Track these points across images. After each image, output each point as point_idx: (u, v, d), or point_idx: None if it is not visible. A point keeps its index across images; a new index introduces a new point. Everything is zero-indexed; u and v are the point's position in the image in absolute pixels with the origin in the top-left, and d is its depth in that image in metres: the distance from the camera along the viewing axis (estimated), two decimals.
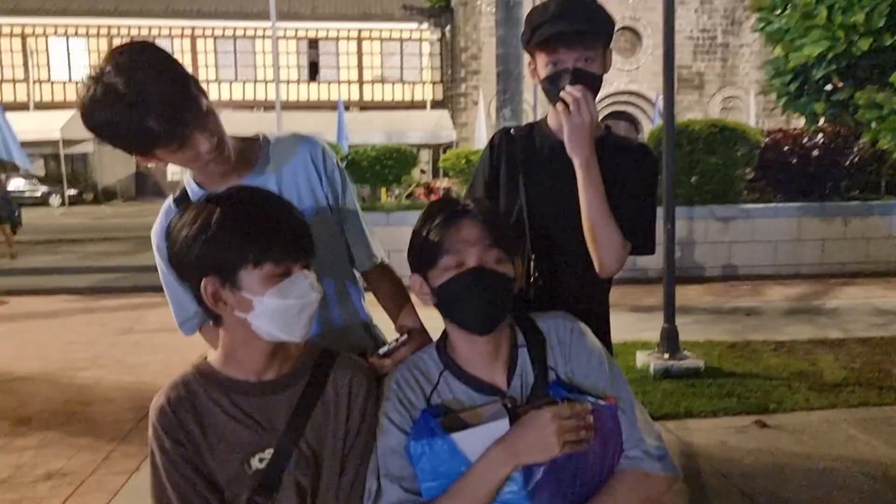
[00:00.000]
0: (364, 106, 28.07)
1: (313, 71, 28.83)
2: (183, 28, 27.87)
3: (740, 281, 9.11)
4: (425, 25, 27.70)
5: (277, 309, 1.25)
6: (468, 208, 1.40)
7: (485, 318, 1.36)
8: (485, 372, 1.41)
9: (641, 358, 5.19)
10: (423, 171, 19.32)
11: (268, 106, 27.87)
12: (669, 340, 5.05)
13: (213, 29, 27.60)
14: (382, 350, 1.48)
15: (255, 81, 28.16)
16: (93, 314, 7.77)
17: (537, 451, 1.25)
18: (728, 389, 4.61)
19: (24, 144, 24.83)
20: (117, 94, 1.35)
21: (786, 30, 5.74)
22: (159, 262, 1.64)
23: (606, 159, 1.77)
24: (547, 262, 1.81)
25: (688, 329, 5.92)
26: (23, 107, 26.68)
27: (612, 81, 26.45)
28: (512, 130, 1.93)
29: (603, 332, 1.88)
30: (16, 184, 27.08)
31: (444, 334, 1.47)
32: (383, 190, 13.39)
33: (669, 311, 5.11)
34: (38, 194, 27.08)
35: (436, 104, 27.77)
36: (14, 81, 27.71)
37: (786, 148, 10.00)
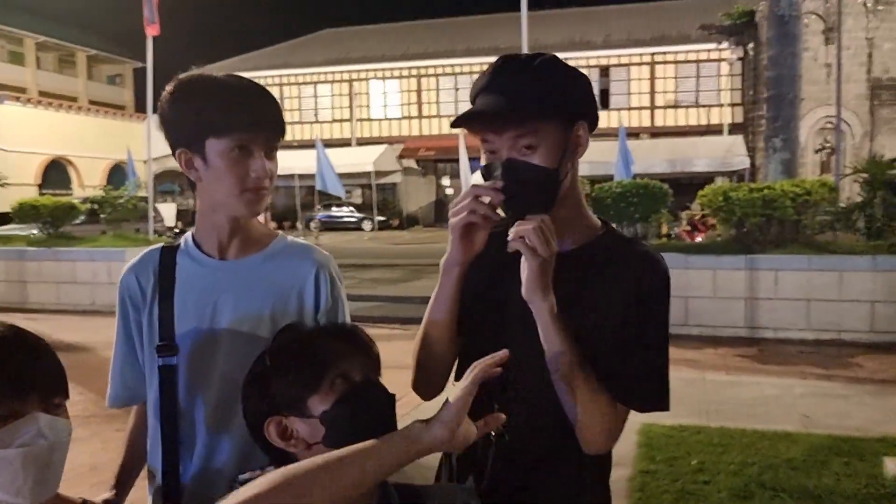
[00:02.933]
0: (655, 132, 26.98)
1: (604, 98, 28.53)
2: (472, 64, 29.48)
3: None
4: (725, 45, 25.78)
5: None
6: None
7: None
8: None
9: (892, 465, 4.01)
10: (686, 206, 17.73)
11: None
12: None
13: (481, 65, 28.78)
14: None
15: None
16: None
17: None
18: None
19: (344, 176, 28.31)
20: (210, 78, 1.40)
21: None
22: (118, 308, 1.51)
23: (595, 273, 1.30)
24: (520, 411, 1.29)
25: None
26: (346, 143, 30.39)
27: None
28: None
29: None
30: (338, 211, 31.08)
31: None
32: (663, 225, 12.46)
33: None
34: (354, 220, 30.58)
35: (734, 128, 25.65)
36: (341, 121, 31.72)
37: None
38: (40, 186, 27.86)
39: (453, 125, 1.28)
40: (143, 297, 1.46)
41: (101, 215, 11.51)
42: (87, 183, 28.86)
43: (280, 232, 1.57)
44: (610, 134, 25.95)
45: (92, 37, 47.08)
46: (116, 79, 46.62)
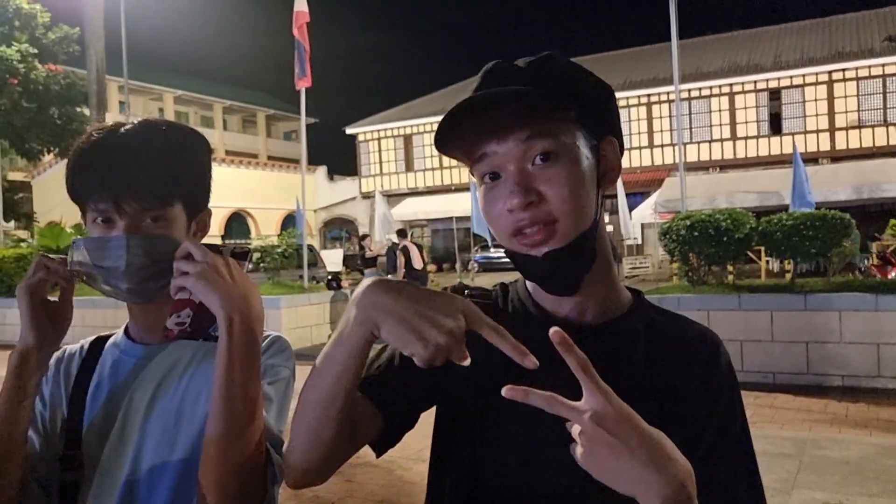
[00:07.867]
0: (836, 156, 24.57)
1: (775, 123, 26.49)
2: (639, 96, 28.49)
3: None
4: None
5: None
6: None
7: None
8: None
9: None
10: (875, 237, 15.66)
11: (724, 165, 26.59)
12: None
13: (668, 94, 27.54)
14: None
15: (711, 141, 27.16)
16: None
17: None
18: None
19: None
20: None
21: None
22: None
23: (650, 370, 0.92)
24: None
25: None
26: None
27: None
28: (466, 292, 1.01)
29: None
30: (495, 252, 31.03)
31: None
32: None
33: None
34: None
35: None
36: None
37: None
38: (223, 237, 30.25)
39: (438, 142, 0.89)
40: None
41: (261, 264, 12.11)
42: (264, 232, 30.95)
43: None
44: (783, 161, 24.03)
45: (270, 98, 51.29)
46: (292, 134, 50.23)
